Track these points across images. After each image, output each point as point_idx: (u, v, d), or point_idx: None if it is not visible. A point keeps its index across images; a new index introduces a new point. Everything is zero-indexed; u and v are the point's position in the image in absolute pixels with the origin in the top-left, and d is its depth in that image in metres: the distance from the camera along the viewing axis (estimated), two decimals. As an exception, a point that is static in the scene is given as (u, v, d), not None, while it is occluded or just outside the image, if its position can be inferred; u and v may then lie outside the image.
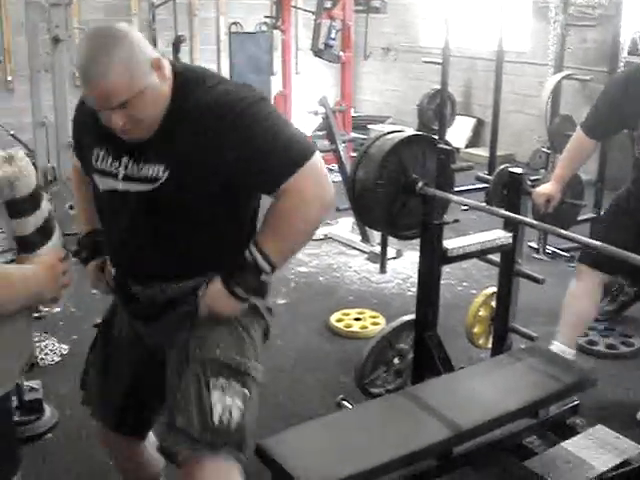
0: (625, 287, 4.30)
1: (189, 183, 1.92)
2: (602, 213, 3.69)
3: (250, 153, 1.89)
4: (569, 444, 2.90)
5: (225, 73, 10.06)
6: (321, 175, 1.95)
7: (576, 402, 3.07)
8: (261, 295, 2.05)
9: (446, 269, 4.88)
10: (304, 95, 9.35)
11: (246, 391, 2.01)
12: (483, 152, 7.96)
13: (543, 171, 5.51)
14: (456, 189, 4.93)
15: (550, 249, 5.41)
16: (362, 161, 3.12)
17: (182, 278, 2.04)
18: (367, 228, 5.33)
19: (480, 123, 9.23)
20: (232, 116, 1.87)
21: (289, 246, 2.02)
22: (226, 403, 1.95)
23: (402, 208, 3.10)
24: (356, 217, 3.29)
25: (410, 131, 3.20)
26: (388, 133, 3.21)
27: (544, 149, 5.80)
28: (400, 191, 3.06)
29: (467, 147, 9.04)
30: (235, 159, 1.89)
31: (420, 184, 3.01)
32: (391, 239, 4.79)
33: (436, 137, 3.59)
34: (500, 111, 7.10)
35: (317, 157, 1.94)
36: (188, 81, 1.94)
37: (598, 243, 2.58)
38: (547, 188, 3.38)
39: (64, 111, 6.04)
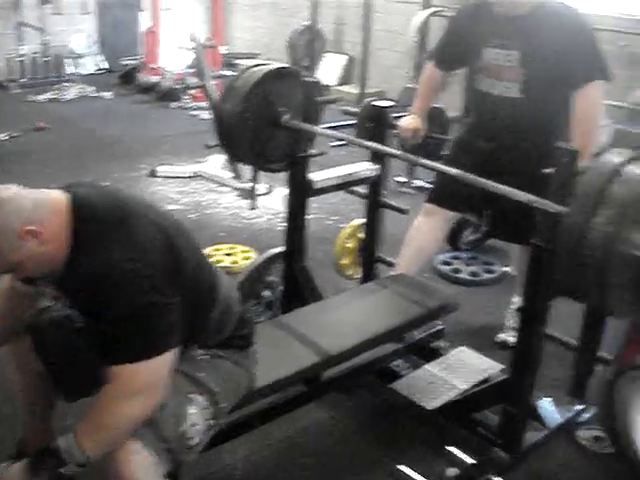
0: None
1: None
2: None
3: (106, 323, 1.86)
4: (433, 366, 3.04)
5: (92, 8, 9.72)
6: (160, 379, 1.89)
7: (440, 326, 3.21)
8: None
9: (315, 203, 4.97)
10: (174, 32, 9.15)
11: (212, 422, 2.04)
12: (354, 89, 8.02)
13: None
14: (326, 125, 4.97)
15: (417, 183, 5.54)
16: (228, 94, 3.09)
17: None
18: (238, 165, 5.31)
19: (351, 60, 9.25)
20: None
21: (107, 435, 1.88)
22: (195, 421, 1.98)
23: (269, 141, 3.09)
24: (224, 151, 3.27)
25: (276, 64, 3.18)
26: (254, 66, 3.18)
27: (411, 85, 5.88)
28: (266, 124, 3.05)
29: (339, 84, 9.07)
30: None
31: (286, 117, 3.01)
32: (262, 175, 4.78)
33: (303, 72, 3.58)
34: (370, 48, 7.17)
35: (166, 359, 1.88)
36: (87, 237, 1.86)
37: (457, 171, 2.66)
38: (411, 122, 3.42)
39: None
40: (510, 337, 3.40)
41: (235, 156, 3.25)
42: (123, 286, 1.82)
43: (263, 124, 3.04)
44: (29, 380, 2.32)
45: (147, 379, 1.87)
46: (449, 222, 3.49)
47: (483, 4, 3.13)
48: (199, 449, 2.01)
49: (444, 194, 3.32)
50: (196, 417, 1.98)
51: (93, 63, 9.70)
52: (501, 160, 3.12)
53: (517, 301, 3.51)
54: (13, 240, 1.79)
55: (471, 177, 2.60)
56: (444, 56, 3.39)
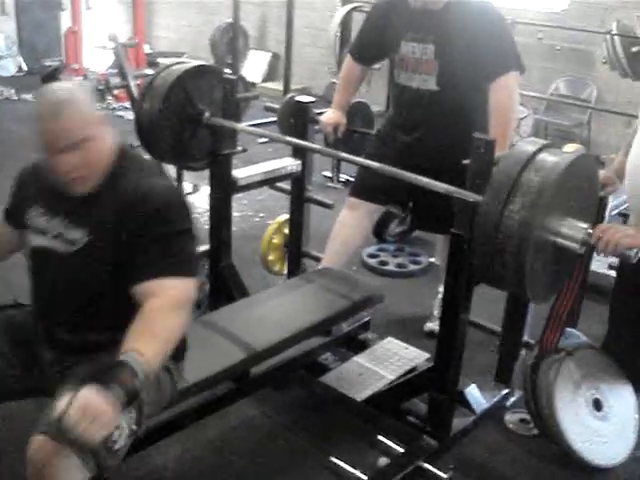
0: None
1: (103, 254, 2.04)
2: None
3: (149, 239, 2.00)
4: (361, 357, 3.07)
5: (10, 9, 9.53)
6: (192, 299, 2.03)
7: (367, 318, 3.24)
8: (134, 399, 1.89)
9: (243, 201, 4.99)
10: (96, 32, 9.02)
11: (135, 428, 2.00)
12: (279, 86, 8.00)
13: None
14: (251, 122, 4.98)
15: (343, 177, 5.57)
16: (147, 93, 3.07)
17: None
18: (163, 164, 5.26)
19: (276, 57, 9.27)
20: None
21: (163, 346, 1.93)
22: (120, 426, 1.91)
23: (191, 139, 3.08)
24: (145, 151, 3.24)
25: (195, 62, 3.17)
26: (173, 65, 3.17)
27: (335, 81, 5.91)
28: (187, 122, 3.04)
29: (264, 81, 9.07)
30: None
31: (206, 115, 3.01)
32: (188, 174, 4.76)
33: (226, 69, 3.57)
34: (294, 45, 7.17)
35: (193, 282, 2.04)
36: (129, 169, 2.10)
37: (377, 164, 2.69)
38: (331, 117, 3.44)
39: None
40: (437, 326, 3.44)
41: (157, 156, 3.23)
42: (172, 207, 2.06)
43: (184, 123, 3.04)
44: None
45: (187, 295, 2.00)
46: (373, 215, 3.51)
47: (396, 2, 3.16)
48: (122, 454, 1.97)
49: (366, 187, 3.35)
50: (121, 422, 1.93)
51: (13, 65, 9.49)
52: (421, 152, 3.16)
53: (442, 290, 3.57)
54: (96, 116, 2.01)
55: (391, 170, 2.63)
56: (362, 50, 3.41)
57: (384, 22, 3.23)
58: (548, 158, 2.15)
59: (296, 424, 2.94)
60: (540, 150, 2.18)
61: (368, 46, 3.37)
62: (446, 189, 2.38)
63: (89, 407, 1.69)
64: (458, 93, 3.10)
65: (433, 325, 3.54)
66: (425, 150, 3.16)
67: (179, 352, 2.20)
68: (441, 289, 3.57)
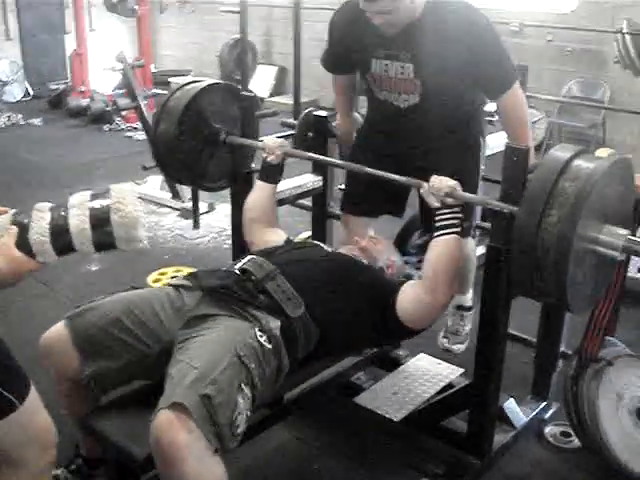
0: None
1: None
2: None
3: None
4: (394, 375, 3.00)
5: (14, 34, 9.53)
6: None
7: (396, 335, 3.15)
8: None
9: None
10: (101, 53, 9.01)
11: (249, 414, 2.06)
12: (288, 100, 7.95)
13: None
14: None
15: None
16: (162, 115, 3.00)
17: None
18: (177, 184, 5.22)
19: (283, 71, 9.23)
20: None
21: None
22: (242, 410, 2.02)
23: (209, 160, 3.01)
24: (162, 174, 3.18)
25: (209, 80, 3.10)
26: (187, 84, 3.10)
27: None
28: (205, 143, 2.96)
29: (271, 96, 9.03)
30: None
31: (223, 134, 2.94)
32: (203, 193, 4.71)
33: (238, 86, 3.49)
34: (302, 58, 7.11)
35: None
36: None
37: (417, 181, 2.50)
38: (344, 125, 3.26)
39: None
40: (451, 345, 3.20)
41: (175, 179, 3.16)
42: None
43: (201, 143, 2.95)
44: (68, 388, 2.33)
45: None
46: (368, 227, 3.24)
47: (356, 10, 2.73)
48: (239, 439, 2.02)
49: (359, 201, 3.15)
50: (242, 406, 2.01)
51: (20, 90, 9.49)
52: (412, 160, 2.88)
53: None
54: None
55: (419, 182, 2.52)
56: (331, 63, 3.15)
57: (347, 35, 2.93)
58: (583, 165, 2.06)
59: (332, 447, 2.86)
60: (574, 157, 2.09)
61: (336, 59, 3.10)
62: (480, 200, 2.31)
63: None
64: (446, 105, 2.81)
65: (447, 343, 3.23)
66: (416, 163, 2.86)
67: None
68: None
